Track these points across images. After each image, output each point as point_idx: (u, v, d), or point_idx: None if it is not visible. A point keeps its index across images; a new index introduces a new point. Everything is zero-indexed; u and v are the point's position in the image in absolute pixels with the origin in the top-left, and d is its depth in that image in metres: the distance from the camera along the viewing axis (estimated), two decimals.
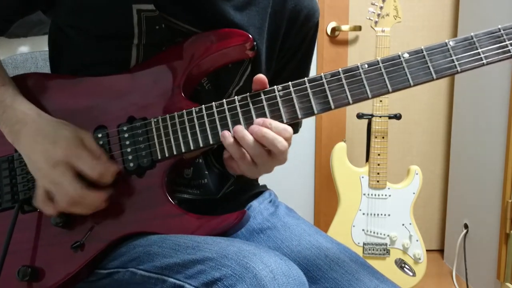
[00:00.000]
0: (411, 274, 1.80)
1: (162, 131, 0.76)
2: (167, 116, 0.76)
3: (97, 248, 0.75)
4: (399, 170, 2.10)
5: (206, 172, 0.87)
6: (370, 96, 0.71)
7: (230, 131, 0.72)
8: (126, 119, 0.78)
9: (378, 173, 1.79)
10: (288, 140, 0.71)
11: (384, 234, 1.81)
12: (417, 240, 1.80)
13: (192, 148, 0.74)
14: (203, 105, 0.75)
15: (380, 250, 1.81)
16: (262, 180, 0.98)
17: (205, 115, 0.74)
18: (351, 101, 0.71)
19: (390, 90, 0.70)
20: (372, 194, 1.81)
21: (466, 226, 2.05)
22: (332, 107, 0.71)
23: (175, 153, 0.75)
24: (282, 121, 0.72)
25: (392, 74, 0.70)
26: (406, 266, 1.81)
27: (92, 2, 0.79)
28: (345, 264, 0.79)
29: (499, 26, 0.69)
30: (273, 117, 0.72)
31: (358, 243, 1.82)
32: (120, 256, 0.75)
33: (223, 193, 0.90)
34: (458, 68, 0.69)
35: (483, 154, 1.91)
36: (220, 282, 0.62)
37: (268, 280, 0.61)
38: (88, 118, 0.79)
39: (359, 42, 2.19)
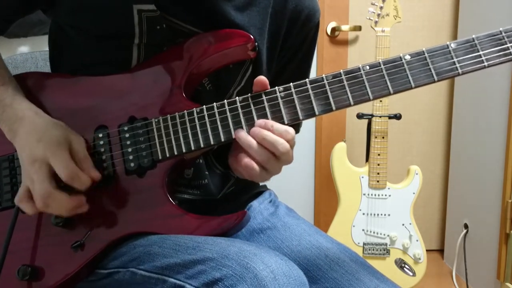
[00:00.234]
0: (411, 274, 1.80)
1: (163, 131, 0.76)
2: (168, 116, 0.76)
3: (97, 248, 0.75)
4: (399, 170, 2.10)
5: (207, 173, 0.87)
6: (371, 97, 0.71)
7: (231, 132, 0.72)
8: (127, 119, 0.78)
9: (378, 173, 1.79)
10: (290, 141, 0.71)
11: (384, 234, 1.81)
12: (417, 240, 1.80)
13: (193, 148, 0.74)
14: (204, 106, 0.75)
15: (380, 250, 1.81)
16: None
17: (206, 115, 0.74)
18: (352, 103, 0.71)
19: (392, 91, 0.70)
20: (372, 194, 1.81)
21: (466, 226, 2.05)
22: (334, 108, 0.71)
23: (176, 153, 0.75)
24: (283, 122, 0.72)
25: (394, 76, 0.70)
26: (406, 266, 1.81)
27: (92, 2, 0.79)
28: (345, 264, 0.79)
29: (501, 29, 0.69)
30: (274, 118, 0.72)
31: (358, 243, 1.82)
32: (121, 256, 0.75)
33: (223, 193, 0.90)
34: (460, 70, 0.69)
35: (483, 154, 1.91)
36: (221, 282, 0.62)
37: (269, 280, 0.61)
38: (88, 118, 0.79)
39: (359, 42, 2.19)
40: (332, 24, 2.10)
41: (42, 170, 0.72)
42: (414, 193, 1.80)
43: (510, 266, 1.78)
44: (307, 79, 0.72)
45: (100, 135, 0.78)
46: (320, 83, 0.72)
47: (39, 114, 0.77)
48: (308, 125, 2.16)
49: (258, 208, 0.93)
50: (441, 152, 2.32)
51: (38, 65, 1.15)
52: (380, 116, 1.77)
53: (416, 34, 2.19)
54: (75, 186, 0.73)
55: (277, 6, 0.86)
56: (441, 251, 2.36)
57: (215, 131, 0.74)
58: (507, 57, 0.69)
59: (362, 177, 1.81)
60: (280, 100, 0.73)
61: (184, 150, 0.75)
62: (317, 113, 0.72)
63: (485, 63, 0.69)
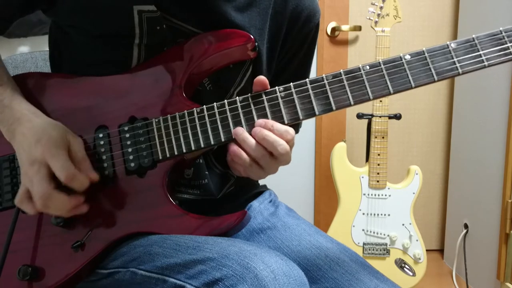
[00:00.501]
0: (411, 274, 1.80)
1: (163, 131, 0.76)
2: (168, 116, 0.76)
3: (97, 247, 0.75)
4: (399, 170, 2.11)
5: (207, 173, 0.87)
6: (371, 97, 0.71)
7: (231, 132, 0.73)
8: (127, 119, 0.78)
9: (378, 173, 1.79)
10: (289, 142, 0.71)
11: (384, 234, 1.81)
12: (417, 240, 1.80)
13: (193, 148, 0.74)
14: (204, 106, 0.75)
15: (380, 250, 1.81)
16: (262, 180, 0.98)
17: (206, 115, 0.74)
18: (352, 102, 0.71)
19: (392, 91, 0.70)
20: (372, 194, 1.81)
21: (466, 226, 2.05)
22: (334, 108, 0.71)
23: (176, 153, 0.75)
24: (283, 122, 0.72)
25: (394, 76, 0.70)
26: (406, 266, 1.81)
27: (92, 3, 0.79)
28: (345, 264, 0.79)
29: (501, 28, 0.69)
30: (274, 118, 0.72)
31: (358, 243, 1.82)
32: (121, 256, 0.75)
33: (223, 193, 0.90)
34: (460, 70, 0.69)
35: (483, 154, 1.91)
36: (221, 282, 0.62)
37: (269, 280, 0.61)
38: (89, 118, 0.79)
39: (359, 42, 2.19)
40: (332, 24, 2.10)
41: (40, 171, 0.72)
42: (414, 193, 1.80)
43: (510, 266, 1.78)
44: (307, 79, 0.72)
45: (101, 135, 0.78)
46: (320, 83, 0.72)
47: (37, 114, 0.77)
48: (308, 125, 2.16)
49: (258, 208, 0.93)
50: (441, 152, 2.32)
51: (38, 65, 1.15)
52: (380, 116, 1.77)
53: (416, 34, 2.19)
54: (73, 187, 0.73)
55: (278, 7, 0.86)
56: (441, 251, 2.36)
57: (215, 131, 0.74)
58: (507, 57, 0.69)
59: (362, 177, 1.81)
60: (280, 100, 0.73)
61: (184, 150, 0.75)
62: (317, 113, 0.72)
63: (485, 63, 0.69)
